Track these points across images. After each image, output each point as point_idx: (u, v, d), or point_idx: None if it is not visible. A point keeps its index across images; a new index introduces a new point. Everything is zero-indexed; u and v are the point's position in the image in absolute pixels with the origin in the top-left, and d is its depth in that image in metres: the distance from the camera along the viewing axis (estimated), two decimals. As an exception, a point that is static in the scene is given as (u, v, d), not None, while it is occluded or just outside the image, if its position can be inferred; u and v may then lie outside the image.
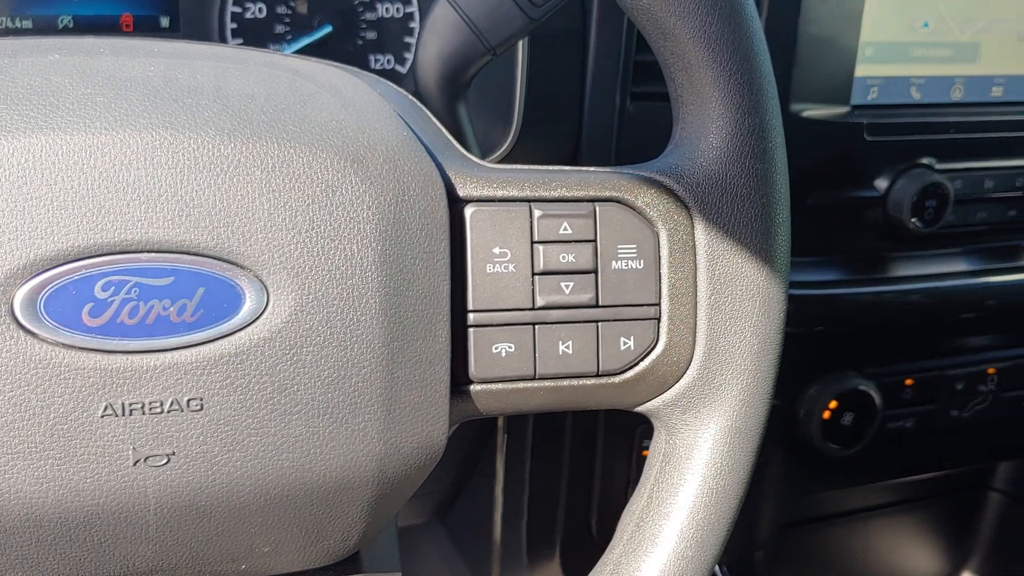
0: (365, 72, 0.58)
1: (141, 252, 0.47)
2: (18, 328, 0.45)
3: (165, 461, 0.48)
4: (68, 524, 0.47)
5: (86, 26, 0.94)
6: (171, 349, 0.47)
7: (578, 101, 0.98)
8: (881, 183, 1.10)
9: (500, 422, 1.14)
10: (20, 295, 0.45)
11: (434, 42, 0.76)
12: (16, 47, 0.50)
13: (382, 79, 0.59)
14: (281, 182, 0.49)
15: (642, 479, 0.61)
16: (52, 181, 0.45)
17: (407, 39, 1.03)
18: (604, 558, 0.60)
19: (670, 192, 0.57)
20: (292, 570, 0.56)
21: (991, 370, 1.24)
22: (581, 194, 0.56)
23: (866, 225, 1.12)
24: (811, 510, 1.34)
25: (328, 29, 1.02)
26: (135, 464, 0.47)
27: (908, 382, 1.19)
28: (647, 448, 1.11)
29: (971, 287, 1.17)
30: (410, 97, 0.59)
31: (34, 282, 0.45)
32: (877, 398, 1.16)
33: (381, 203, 0.50)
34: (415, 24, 1.03)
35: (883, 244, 1.14)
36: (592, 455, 1.10)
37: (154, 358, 0.47)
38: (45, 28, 0.93)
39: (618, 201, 0.57)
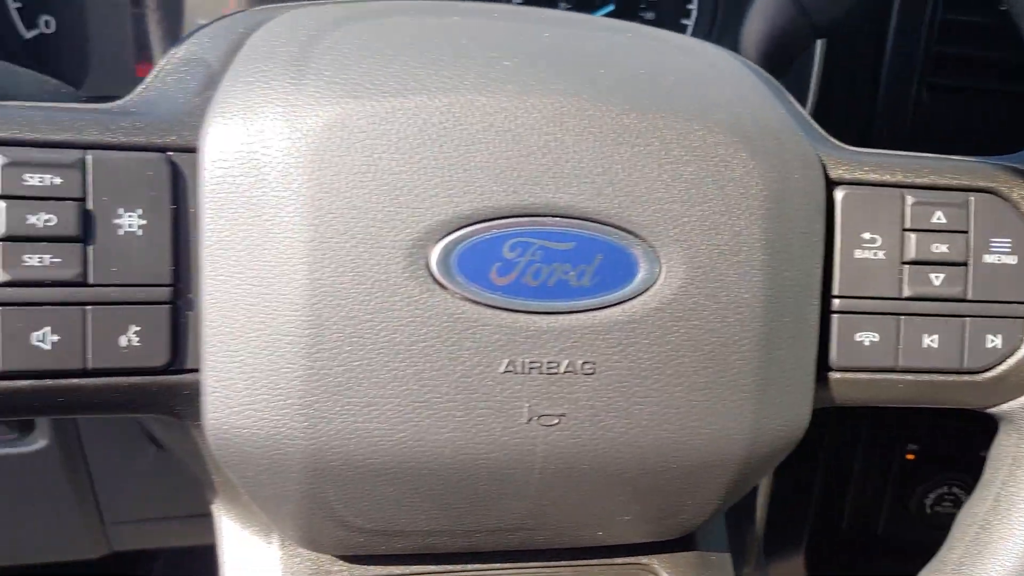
0: (731, 52, 0.58)
1: (547, 216, 0.47)
2: (433, 282, 0.46)
3: (556, 421, 0.48)
4: (459, 474, 0.49)
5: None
6: (569, 312, 0.48)
7: (872, 88, 0.95)
8: None
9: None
10: (436, 251, 0.46)
11: (760, 21, 0.75)
12: (416, 7, 0.52)
13: (746, 60, 0.58)
14: (678, 155, 0.49)
15: (984, 482, 0.59)
16: (469, 141, 0.46)
17: (683, 21, 1.02)
18: (942, 557, 0.58)
19: None
20: (634, 541, 0.57)
21: None
22: (955, 183, 0.54)
23: None
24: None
25: (610, 8, 1.02)
26: (528, 422, 0.48)
27: None
28: (911, 451, 1.07)
29: None
30: (771, 78, 0.58)
31: (450, 239, 0.46)
32: None
33: (768, 181, 0.50)
34: (692, 7, 1.02)
35: None
36: (852, 453, 1.07)
37: (553, 320, 0.48)
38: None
39: (994, 192, 0.54)
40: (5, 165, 0.43)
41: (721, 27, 1.00)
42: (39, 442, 0.90)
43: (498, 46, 0.49)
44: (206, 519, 1.07)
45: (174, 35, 0.91)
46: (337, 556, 0.54)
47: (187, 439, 0.52)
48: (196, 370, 0.47)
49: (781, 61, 0.76)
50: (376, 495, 0.49)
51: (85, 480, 0.97)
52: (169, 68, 0.50)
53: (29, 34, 0.85)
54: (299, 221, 0.45)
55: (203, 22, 0.90)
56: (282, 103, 0.45)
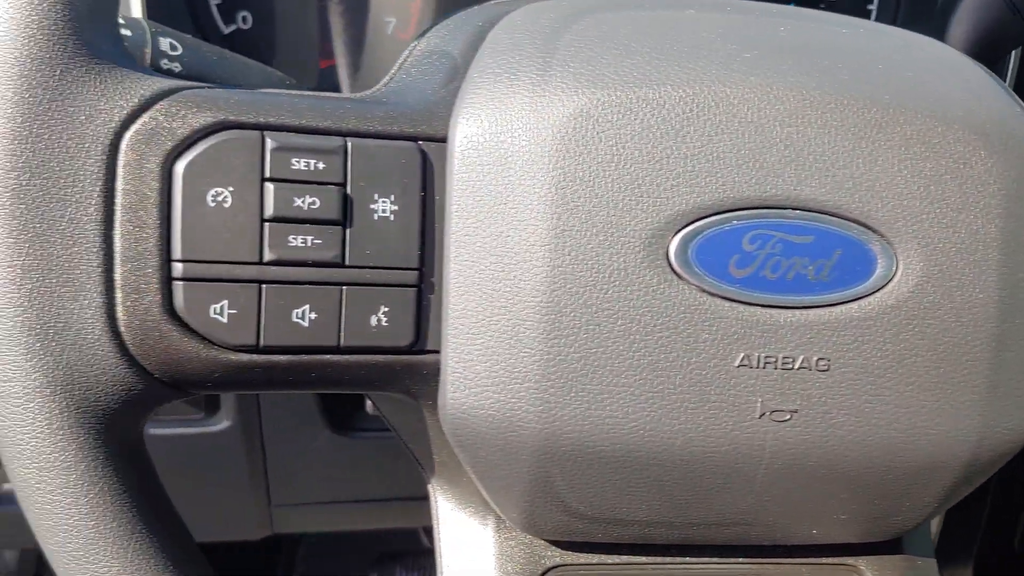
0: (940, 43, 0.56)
1: (787, 208, 0.47)
2: (671, 273, 0.46)
3: (788, 417, 0.48)
4: (686, 466, 0.49)
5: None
6: (806, 307, 0.47)
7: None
8: None
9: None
10: (676, 241, 0.46)
11: (968, 21, 0.73)
12: (650, 1, 0.52)
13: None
14: (918, 151, 0.48)
15: None
16: (712, 132, 0.46)
17: (867, 7, 1.00)
18: None
19: None
20: (845, 541, 0.56)
21: None
22: None
23: None
24: None
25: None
26: (760, 417, 0.48)
27: None
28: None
29: None
30: (995, 75, 0.56)
31: (689, 229, 0.46)
32: None
33: (1005, 179, 0.49)
34: (872, 7, 0.99)
35: None
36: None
37: (790, 314, 0.47)
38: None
39: None
40: (274, 149, 0.45)
41: (903, 20, 0.98)
42: (223, 423, 0.94)
43: (736, 39, 0.49)
44: (366, 505, 1.09)
45: (358, 30, 0.93)
46: (551, 541, 0.55)
47: (414, 419, 0.54)
48: (436, 351, 0.48)
49: (987, 62, 0.74)
50: (602, 482, 0.49)
51: (260, 462, 1.00)
52: (413, 60, 0.52)
53: (227, 29, 0.88)
54: (542, 209, 0.46)
55: (391, 19, 0.93)
56: (529, 94, 0.46)
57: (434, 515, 0.57)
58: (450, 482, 0.56)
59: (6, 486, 0.97)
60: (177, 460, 0.96)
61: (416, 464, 0.57)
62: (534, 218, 0.46)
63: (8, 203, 0.42)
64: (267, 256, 0.45)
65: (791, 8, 0.55)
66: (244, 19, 0.89)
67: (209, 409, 0.94)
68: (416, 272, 0.47)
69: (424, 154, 0.47)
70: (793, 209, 0.47)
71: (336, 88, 0.94)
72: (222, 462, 0.98)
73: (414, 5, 0.91)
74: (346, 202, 0.46)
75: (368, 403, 0.81)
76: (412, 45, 0.53)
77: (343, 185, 0.46)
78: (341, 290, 0.46)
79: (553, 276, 0.46)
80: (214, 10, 0.88)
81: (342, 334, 0.47)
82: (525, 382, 0.46)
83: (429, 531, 1.43)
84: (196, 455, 0.96)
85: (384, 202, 0.47)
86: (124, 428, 0.46)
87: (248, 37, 0.90)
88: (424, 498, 1.11)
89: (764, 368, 0.47)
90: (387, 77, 0.52)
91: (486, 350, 0.46)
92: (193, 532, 1.08)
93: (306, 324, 0.46)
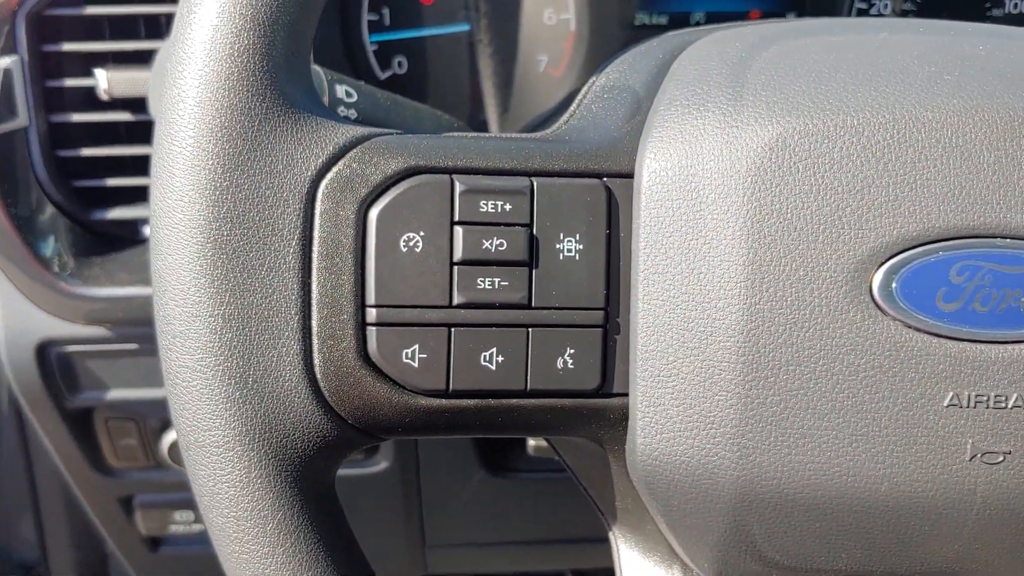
0: None
1: (997, 236, 0.44)
2: (875, 308, 0.44)
3: (1000, 459, 0.45)
4: (892, 512, 0.46)
5: (717, 21, 0.95)
6: (1019, 342, 0.44)
7: None
8: None
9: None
10: (879, 274, 0.44)
11: None
12: (838, 24, 0.50)
13: None
14: None
15: None
16: (915, 158, 0.44)
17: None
18: None
19: None
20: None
21: None
22: None
23: None
24: None
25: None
26: (971, 459, 0.45)
27: None
28: None
29: None
30: None
31: (893, 261, 0.44)
32: None
33: None
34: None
35: None
36: None
37: (1002, 350, 0.44)
38: (680, 23, 0.95)
39: None
40: (463, 192, 0.45)
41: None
42: (381, 463, 0.94)
43: (935, 60, 0.47)
44: (520, 547, 1.08)
45: (508, 70, 0.93)
46: None
47: (597, 464, 0.52)
48: (624, 394, 0.47)
49: None
50: (801, 530, 0.47)
51: (415, 502, 1.00)
52: (592, 96, 0.51)
53: (384, 75, 0.90)
54: (738, 244, 0.44)
55: (543, 57, 0.93)
56: (719, 124, 0.45)
57: (616, 563, 0.55)
58: (633, 529, 0.54)
59: (196, 527, 1.00)
60: (336, 501, 0.97)
61: (595, 510, 0.56)
62: (729, 253, 0.44)
63: (211, 253, 0.43)
64: (456, 299, 0.45)
65: (986, 26, 0.52)
66: (400, 64, 0.91)
67: (369, 450, 0.94)
68: (602, 312, 0.46)
69: (609, 191, 0.46)
70: (1003, 238, 0.44)
71: (484, 128, 0.95)
72: (379, 502, 0.99)
73: (566, 43, 0.91)
74: (532, 242, 0.46)
75: (529, 444, 0.81)
76: (591, 81, 0.52)
77: (529, 226, 0.46)
78: (527, 332, 0.46)
79: (750, 314, 0.44)
80: (371, 56, 0.89)
81: (529, 377, 0.46)
82: (721, 426, 0.45)
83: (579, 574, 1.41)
84: (354, 495, 0.97)
85: (570, 241, 0.46)
86: (318, 475, 0.46)
87: (403, 81, 0.91)
88: (577, 541, 1.09)
89: (975, 407, 0.45)
90: (566, 115, 0.51)
91: (678, 393, 0.45)
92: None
93: (493, 367, 0.46)
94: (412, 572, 1.10)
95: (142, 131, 0.79)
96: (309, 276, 0.44)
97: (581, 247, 0.46)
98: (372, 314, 0.45)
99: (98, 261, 0.78)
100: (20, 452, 1.11)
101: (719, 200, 0.44)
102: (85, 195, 0.78)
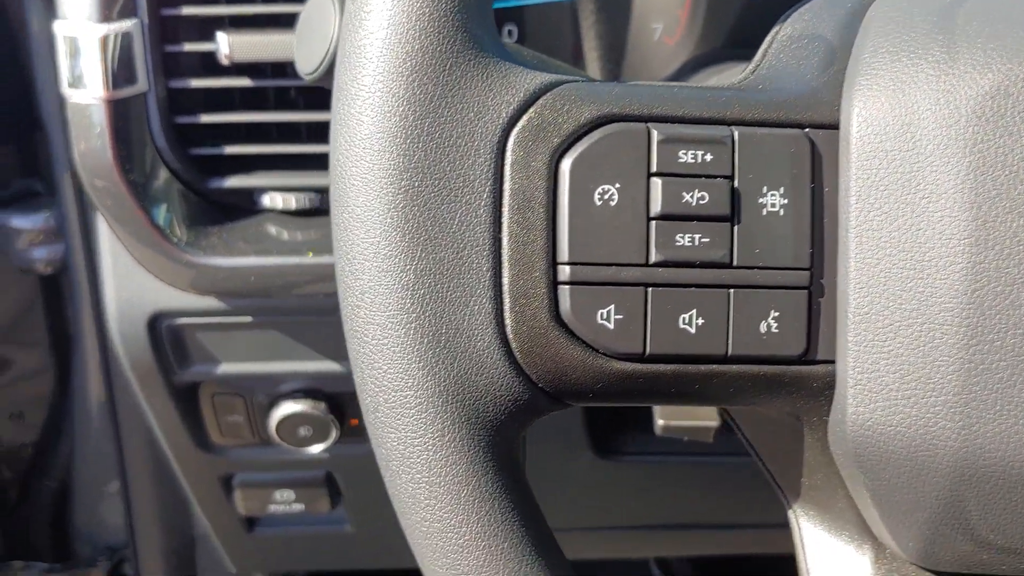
0: None
1: None
2: None
3: None
4: None
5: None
6: None
7: None
8: None
9: None
10: None
11: None
12: None
13: None
14: None
15: None
16: None
17: None
18: None
19: None
20: None
21: None
22: None
23: None
24: None
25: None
26: None
27: None
28: None
29: None
30: None
31: None
32: None
33: None
34: None
35: None
36: None
37: None
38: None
39: None
40: (661, 141, 0.42)
41: None
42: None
43: None
44: (628, 531, 1.05)
45: (619, 38, 0.90)
46: (938, 572, 0.50)
47: (782, 438, 0.49)
48: (830, 361, 0.44)
49: None
50: (1022, 509, 0.43)
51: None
52: (779, 46, 0.48)
53: (497, 41, 0.87)
54: (960, 198, 0.41)
55: (657, 24, 0.89)
56: (935, 72, 0.41)
57: (798, 543, 0.52)
58: (820, 507, 0.51)
59: (296, 507, 0.98)
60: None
61: (774, 487, 0.53)
62: (950, 208, 0.41)
63: (402, 205, 0.41)
64: (653, 257, 0.42)
65: None
66: (510, 32, 0.88)
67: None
68: (807, 272, 0.43)
69: (812, 142, 0.43)
70: None
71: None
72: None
73: (683, 11, 0.88)
74: (734, 197, 0.43)
75: (658, 424, 0.78)
76: (773, 31, 0.49)
77: (731, 178, 0.43)
78: (729, 293, 0.43)
79: (975, 272, 0.41)
80: (486, 24, 0.86)
81: (730, 342, 0.43)
82: (942, 394, 0.41)
83: (663, 563, 1.39)
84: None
85: (773, 195, 0.43)
86: (508, 441, 0.44)
87: (514, 49, 0.88)
88: (689, 527, 1.07)
89: None
90: (751, 66, 0.48)
91: (894, 359, 0.42)
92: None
93: (693, 330, 0.43)
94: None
95: (260, 98, 0.77)
96: (500, 231, 0.42)
97: (785, 202, 0.43)
98: (565, 272, 0.42)
99: (215, 231, 0.76)
100: (111, 433, 1.10)
101: (939, 151, 0.41)
102: (202, 163, 0.76)
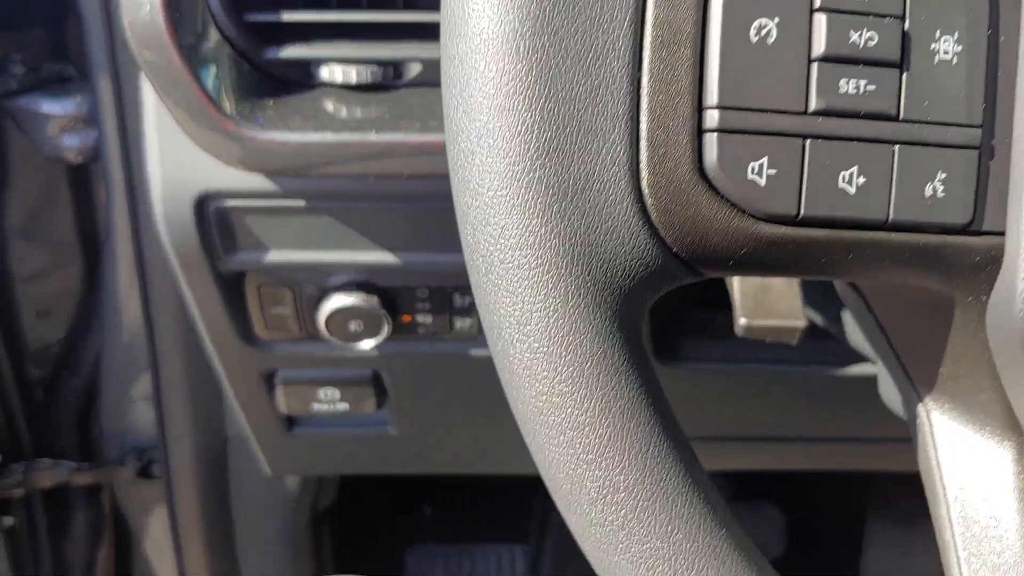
0: None
1: None
2: None
3: None
4: None
5: None
6: None
7: None
8: None
9: None
10: None
11: None
12: None
13: None
14: None
15: None
16: None
17: None
18: None
19: None
20: None
21: None
22: None
23: None
24: None
25: None
26: None
27: None
28: None
29: None
30: None
31: None
32: None
33: None
34: None
35: None
36: None
37: None
38: None
39: None
40: None
41: None
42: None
43: None
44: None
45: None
46: None
47: (922, 321, 0.45)
48: (998, 233, 0.39)
49: None
50: None
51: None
52: None
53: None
54: None
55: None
56: None
57: (926, 437, 0.48)
58: (958, 400, 0.46)
59: (340, 406, 0.94)
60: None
61: (902, 379, 0.48)
62: None
63: (529, 32, 0.35)
64: (813, 105, 0.37)
65: None
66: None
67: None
68: (979, 131, 0.38)
69: None
70: None
71: None
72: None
73: None
74: (904, 40, 0.37)
75: (739, 324, 0.73)
76: None
77: (902, 18, 0.37)
78: (894, 149, 0.38)
79: None
80: None
81: (892, 205, 0.38)
82: None
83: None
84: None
85: (947, 41, 0.38)
86: (636, 312, 0.39)
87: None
88: (746, 439, 1.03)
89: None
90: None
91: None
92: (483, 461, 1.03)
93: (853, 191, 0.38)
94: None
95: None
96: (640, 69, 0.36)
97: (960, 48, 0.38)
98: (713, 117, 0.37)
99: (269, 103, 0.70)
100: (143, 329, 1.06)
101: None
102: (257, 31, 0.71)
